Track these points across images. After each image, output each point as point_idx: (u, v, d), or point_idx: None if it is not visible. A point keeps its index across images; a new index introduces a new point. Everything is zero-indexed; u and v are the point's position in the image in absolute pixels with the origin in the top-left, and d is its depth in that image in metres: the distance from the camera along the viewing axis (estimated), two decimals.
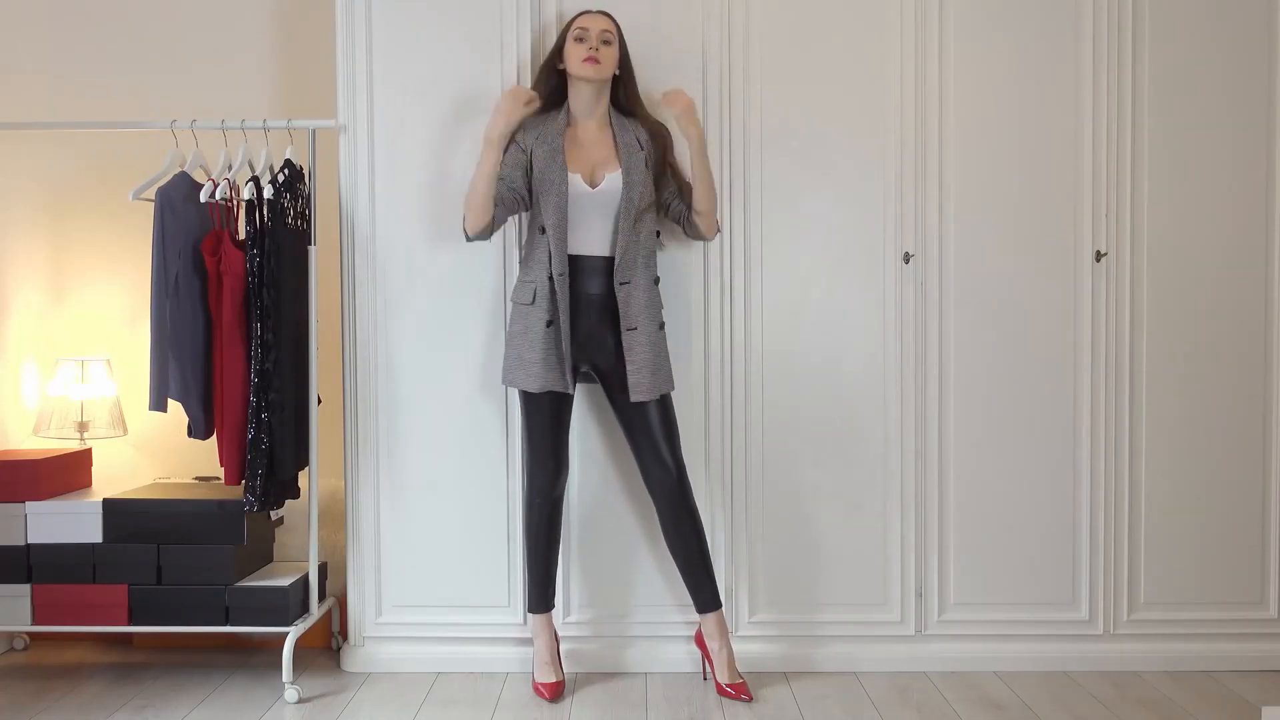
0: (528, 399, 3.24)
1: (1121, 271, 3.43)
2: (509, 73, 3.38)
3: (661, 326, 3.22)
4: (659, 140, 3.28)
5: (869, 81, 3.41)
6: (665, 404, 3.23)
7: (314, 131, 3.44)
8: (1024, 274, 3.43)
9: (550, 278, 3.16)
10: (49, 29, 3.94)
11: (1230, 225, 3.44)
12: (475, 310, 3.42)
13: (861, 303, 3.43)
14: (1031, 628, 3.47)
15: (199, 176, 3.40)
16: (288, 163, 3.41)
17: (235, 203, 3.38)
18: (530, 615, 3.35)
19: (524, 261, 3.27)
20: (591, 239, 3.20)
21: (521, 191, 3.21)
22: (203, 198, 3.30)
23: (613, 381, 3.25)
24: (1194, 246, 3.44)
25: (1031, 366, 3.44)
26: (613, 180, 3.20)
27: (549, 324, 3.16)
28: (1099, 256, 3.42)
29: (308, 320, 3.45)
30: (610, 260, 3.20)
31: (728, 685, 3.23)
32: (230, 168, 3.39)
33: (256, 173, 3.35)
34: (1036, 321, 3.43)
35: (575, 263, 3.20)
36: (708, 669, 3.33)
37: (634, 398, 3.16)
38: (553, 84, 3.26)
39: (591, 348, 3.23)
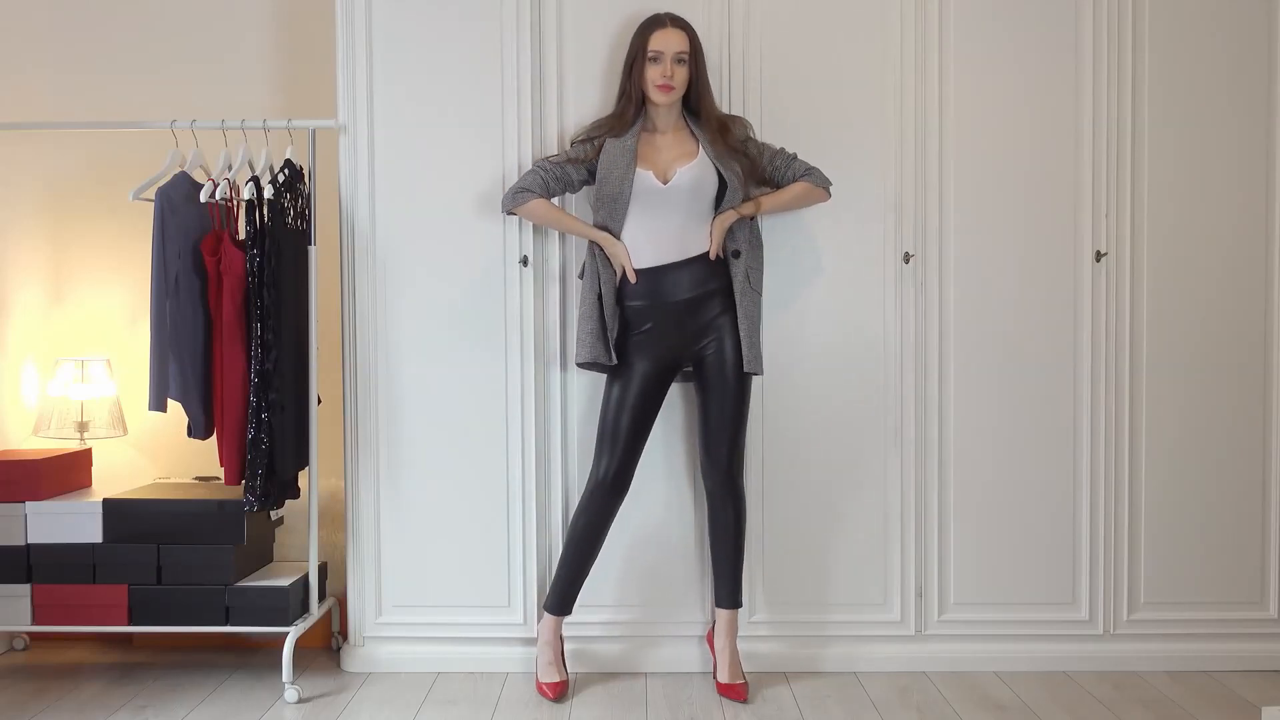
0: (606, 389, 3.25)
1: (1121, 271, 3.43)
2: (509, 71, 3.38)
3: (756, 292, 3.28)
4: (730, 128, 3.25)
5: (869, 81, 3.41)
6: (745, 391, 3.25)
7: (314, 131, 3.44)
8: (1024, 274, 3.43)
9: (595, 254, 3.24)
10: (49, 29, 3.94)
11: (1231, 225, 3.44)
12: (475, 309, 3.42)
13: (862, 303, 3.43)
14: (1031, 628, 3.47)
15: (199, 176, 3.40)
16: (288, 163, 3.41)
17: (235, 203, 3.38)
18: (544, 613, 3.33)
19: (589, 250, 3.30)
20: (674, 243, 3.20)
21: (571, 179, 3.26)
22: (203, 198, 3.30)
23: (703, 364, 3.25)
24: (1194, 246, 3.44)
25: (1031, 366, 3.44)
26: (684, 174, 3.19)
27: (598, 297, 3.21)
28: (1099, 256, 3.42)
29: (308, 320, 3.45)
30: (694, 261, 3.20)
31: (726, 684, 3.23)
32: (230, 168, 3.38)
33: (256, 173, 3.35)
34: (1036, 321, 3.43)
35: (658, 274, 3.20)
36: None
37: (746, 368, 3.20)
38: (633, 95, 3.23)
39: (686, 348, 3.24)
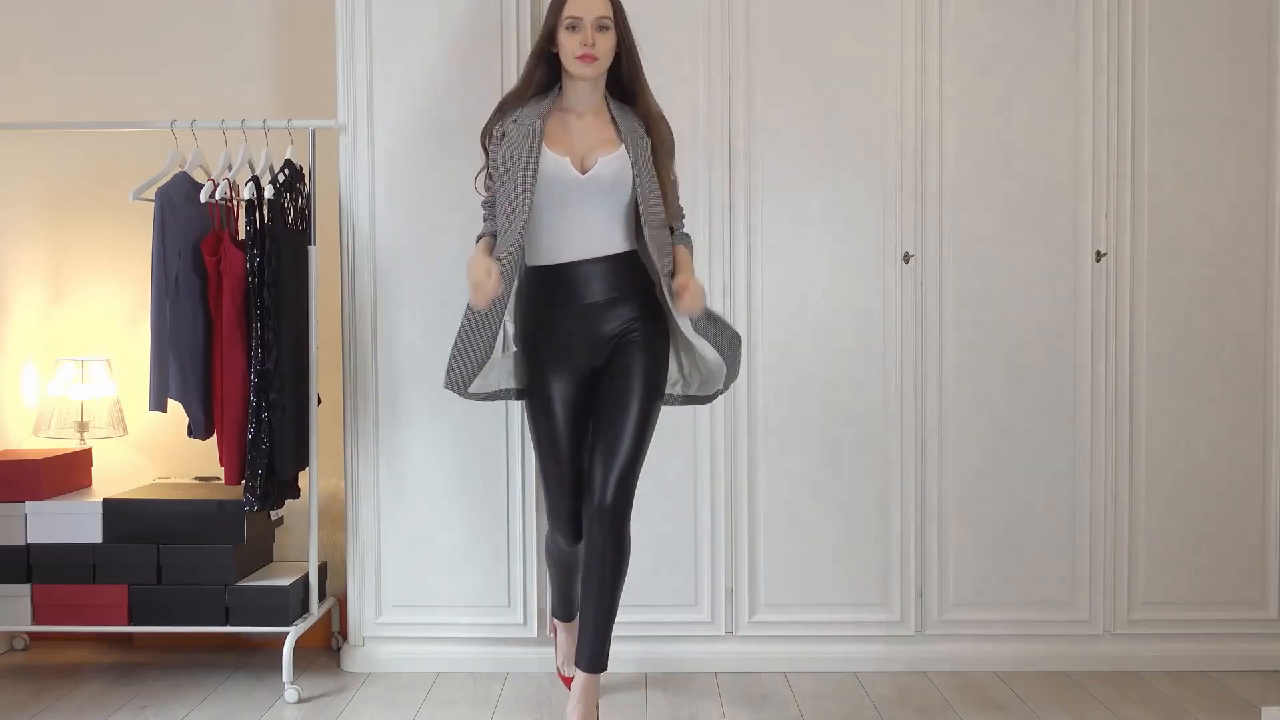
0: (533, 418, 2.90)
1: (1121, 271, 3.43)
2: (509, 70, 3.38)
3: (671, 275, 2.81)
4: (654, 129, 2.87)
5: (869, 81, 3.41)
6: (649, 414, 2.83)
7: (314, 131, 3.45)
8: (1024, 274, 3.43)
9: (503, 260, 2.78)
10: (49, 29, 3.94)
11: (1230, 225, 3.44)
12: None
13: (861, 302, 3.43)
14: (1031, 628, 3.47)
15: (199, 176, 3.40)
16: (288, 163, 3.41)
17: (235, 203, 3.38)
18: (556, 621, 3.24)
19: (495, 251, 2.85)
20: (588, 239, 2.81)
21: None
22: (203, 198, 3.30)
23: (602, 370, 2.85)
24: (1194, 246, 3.44)
25: (1031, 366, 3.44)
26: (606, 164, 2.78)
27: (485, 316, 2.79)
28: (1099, 256, 3.42)
29: (308, 320, 3.45)
30: (606, 260, 2.82)
31: None
32: (230, 168, 3.39)
33: (256, 173, 3.35)
34: (1036, 321, 3.43)
35: (570, 271, 2.81)
36: None
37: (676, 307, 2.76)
38: (543, 72, 2.85)
39: (595, 351, 2.86)
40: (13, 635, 3.69)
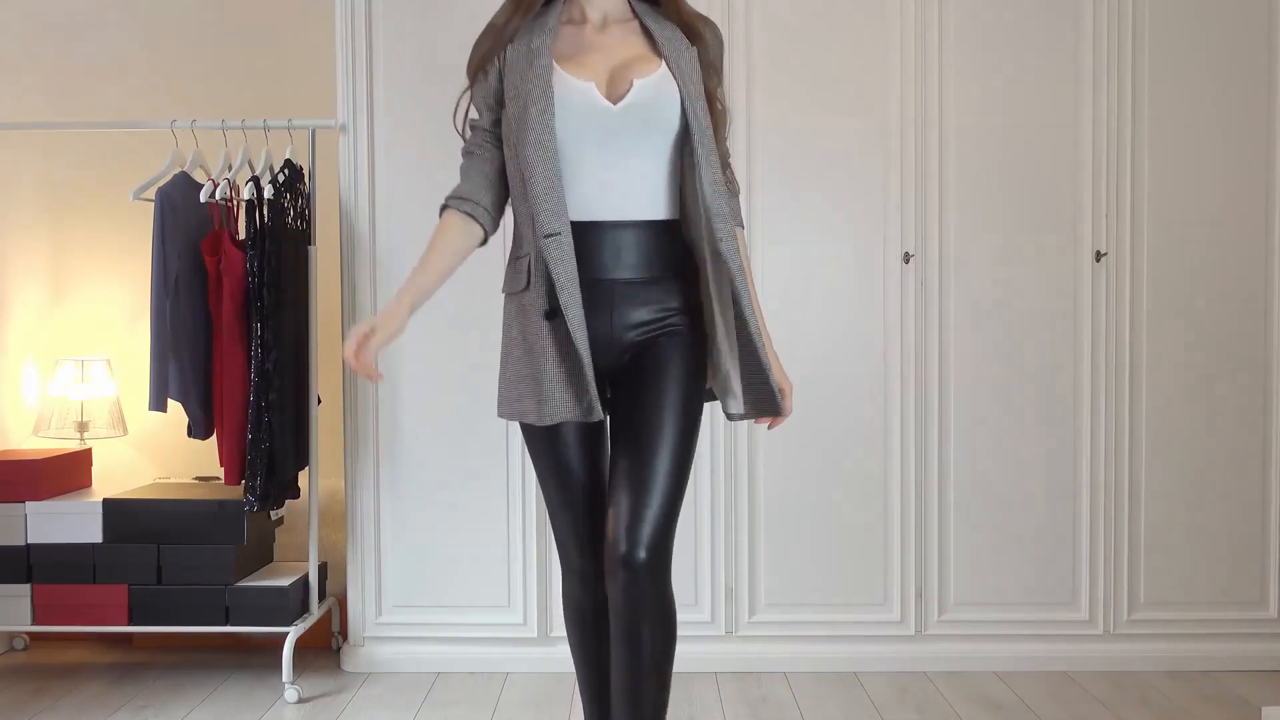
0: (532, 445, 2.17)
1: (1121, 271, 3.43)
2: None
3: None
4: (702, 33, 2.17)
5: (869, 81, 3.41)
6: (693, 429, 2.09)
7: (314, 131, 3.45)
8: (1024, 274, 3.43)
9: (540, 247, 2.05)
10: (49, 29, 3.94)
11: (1230, 225, 3.44)
12: (475, 308, 3.42)
13: (861, 302, 3.43)
14: (1031, 628, 3.47)
15: (199, 176, 3.41)
16: (288, 163, 3.41)
17: (235, 203, 3.38)
18: None
19: (515, 233, 2.17)
20: (619, 193, 2.08)
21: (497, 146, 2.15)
22: (203, 198, 3.30)
23: (625, 373, 2.12)
24: (1194, 246, 3.44)
25: (1031, 366, 3.44)
26: (643, 88, 2.07)
27: (548, 314, 2.04)
28: (1099, 256, 3.42)
29: (308, 320, 3.45)
30: (651, 225, 2.09)
31: None
32: (230, 168, 3.39)
33: (256, 173, 3.35)
34: (1036, 321, 3.43)
35: (594, 232, 2.07)
36: None
37: (732, 409, 2.13)
38: None
39: (614, 345, 2.12)
40: (13, 635, 3.69)
